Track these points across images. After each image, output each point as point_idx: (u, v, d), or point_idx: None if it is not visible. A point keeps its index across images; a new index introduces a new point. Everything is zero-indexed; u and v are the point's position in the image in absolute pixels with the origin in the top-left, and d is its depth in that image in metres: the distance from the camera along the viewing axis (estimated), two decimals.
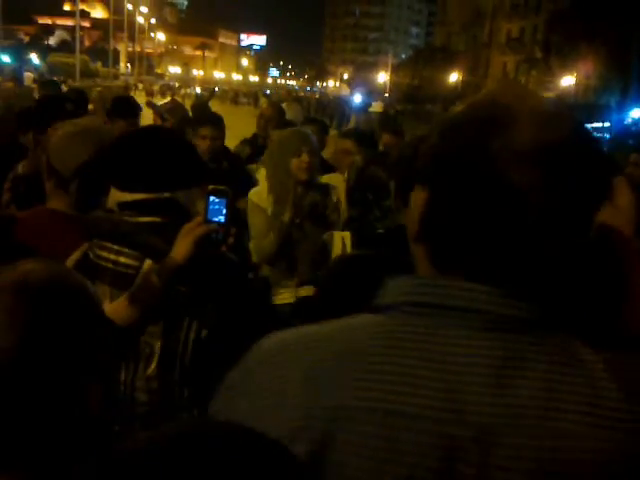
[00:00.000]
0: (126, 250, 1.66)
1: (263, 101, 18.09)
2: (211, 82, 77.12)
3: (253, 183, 3.42)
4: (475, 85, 55.81)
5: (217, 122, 3.86)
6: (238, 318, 1.71)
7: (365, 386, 0.70)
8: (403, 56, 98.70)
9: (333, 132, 8.29)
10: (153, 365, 1.65)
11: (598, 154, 0.73)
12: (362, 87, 68.17)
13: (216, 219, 1.60)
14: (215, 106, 15.17)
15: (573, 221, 0.70)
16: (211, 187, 1.61)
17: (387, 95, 65.29)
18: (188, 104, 13.70)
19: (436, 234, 0.73)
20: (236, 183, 2.47)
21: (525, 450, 0.67)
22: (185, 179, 1.70)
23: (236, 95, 50.91)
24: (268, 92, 52.39)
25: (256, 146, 4.91)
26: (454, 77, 60.00)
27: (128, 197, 1.66)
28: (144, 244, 1.65)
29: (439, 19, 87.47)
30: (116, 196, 1.69)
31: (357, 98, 37.45)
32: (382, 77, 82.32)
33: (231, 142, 5.91)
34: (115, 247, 1.67)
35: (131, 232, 1.66)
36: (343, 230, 2.68)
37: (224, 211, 1.60)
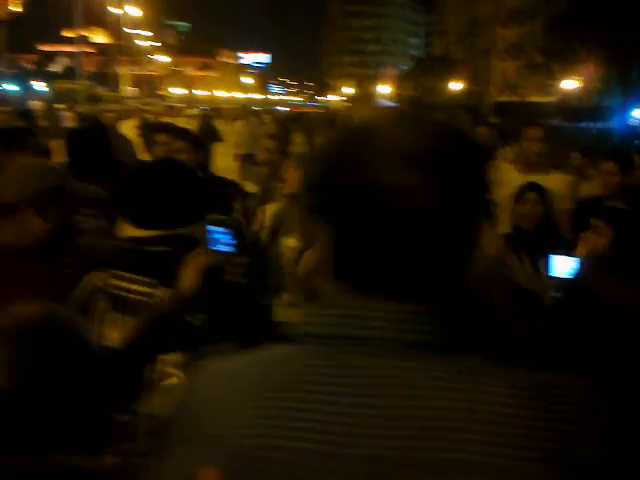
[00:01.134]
0: (140, 278, 1.67)
1: (266, 118, 18.13)
2: (214, 102, 77.59)
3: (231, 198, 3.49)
4: (478, 93, 55.86)
5: (171, 130, 4.08)
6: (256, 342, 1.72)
7: (264, 423, 0.69)
8: (404, 67, 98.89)
9: None
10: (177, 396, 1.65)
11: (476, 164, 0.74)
12: (366, 100, 68.20)
13: (218, 248, 1.60)
14: (219, 124, 15.25)
15: (461, 233, 0.71)
16: (210, 217, 1.63)
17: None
18: (192, 124, 13.81)
19: (353, 269, 0.72)
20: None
21: None
22: (198, 214, 1.71)
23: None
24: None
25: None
26: (456, 86, 60.06)
27: (143, 233, 1.67)
28: (158, 272, 1.66)
29: (437, 29, 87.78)
30: (129, 231, 1.69)
31: None
32: (384, 89, 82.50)
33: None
34: (128, 275, 1.67)
35: (144, 261, 1.66)
36: None
37: (226, 239, 1.60)
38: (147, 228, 1.68)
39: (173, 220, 1.68)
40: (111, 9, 55.43)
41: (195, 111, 19.28)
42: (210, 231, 1.60)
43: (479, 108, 28.63)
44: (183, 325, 1.60)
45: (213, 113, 20.78)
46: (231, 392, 0.74)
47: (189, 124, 14.05)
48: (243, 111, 16.41)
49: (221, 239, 1.60)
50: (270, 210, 3.33)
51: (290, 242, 3.07)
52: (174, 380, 1.65)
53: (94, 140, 3.03)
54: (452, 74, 61.00)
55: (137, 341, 1.54)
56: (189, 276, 1.57)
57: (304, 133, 14.11)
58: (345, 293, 0.72)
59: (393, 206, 0.68)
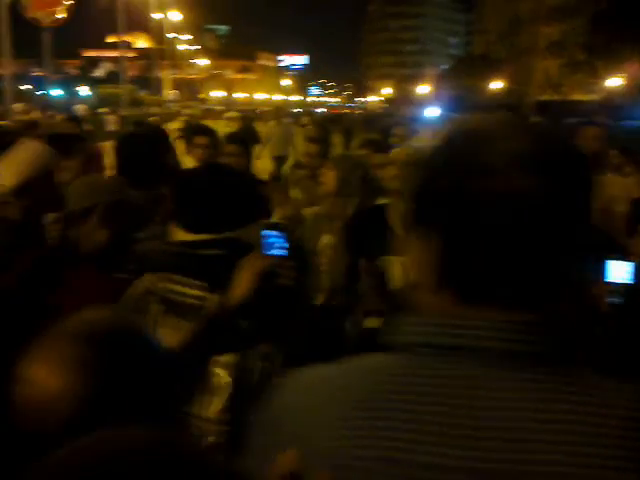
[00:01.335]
0: (192, 281, 1.70)
1: (305, 120, 18.19)
2: (253, 104, 78.19)
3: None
4: (519, 92, 55.16)
5: (209, 132, 4.13)
6: (305, 348, 1.73)
7: (374, 434, 0.66)
8: (443, 67, 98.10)
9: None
10: (226, 397, 1.68)
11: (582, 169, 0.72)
12: (405, 100, 67.92)
13: (272, 252, 1.63)
14: (259, 126, 15.38)
15: (576, 234, 0.69)
16: (265, 221, 1.66)
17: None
18: (232, 126, 13.94)
19: (462, 277, 0.70)
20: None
21: None
22: (247, 218, 1.75)
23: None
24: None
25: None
26: (497, 85, 59.40)
27: (193, 237, 1.71)
28: (210, 276, 1.69)
29: (477, 28, 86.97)
30: (179, 235, 1.74)
31: (433, 111, 26.43)
32: (423, 89, 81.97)
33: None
34: (181, 279, 1.70)
35: (197, 264, 1.70)
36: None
37: (280, 244, 1.63)
38: (198, 232, 1.71)
39: (223, 224, 1.71)
40: (153, 15, 56.27)
41: (234, 114, 19.52)
42: (265, 235, 1.63)
43: (520, 107, 28.25)
44: (237, 328, 1.62)
45: (253, 115, 20.93)
46: (320, 402, 0.72)
47: (229, 127, 14.19)
48: (276, 113, 16.42)
49: (275, 243, 1.62)
50: (310, 212, 3.37)
51: (326, 241, 3.09)
52: (224, 381, 1.68)
53: (151, 146, 3.10)
54: (493, 73, 60.35)
55: (193, 344, 1.58)
56: (244, 280, 1.60)
57: (343, 134, 14.15)
58: (449, 303, 0.70)
59: (511, 210, 0.66)
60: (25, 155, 2.28)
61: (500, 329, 0.67)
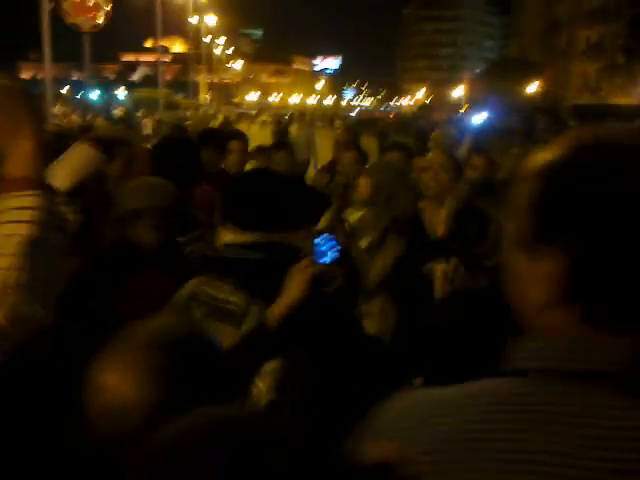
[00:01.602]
0: (233, 287, 1.71)
1: (338, 123, 18.15)
2: (288, 107, 78.35)
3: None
4: (556, 95, 54.41)
5: (242, 137, 4.22)
6: (343, 358, 1.73)
7: (494, 468, 0.62)
8: (478, 70, 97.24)
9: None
10: (266, 404, 1.68)
11: None
12: (441, 104, 67.48)
13: (324, 259, 1.64)
14: (292, 129, 15.43)
15: None
16: (316, 228, 1.68)
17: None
18: (267, 130, 14.02)
19: (591, 297, 0.64)
20: None
21: None
22: (296, 222, 1.76)
23: (311, 119, 51.30)
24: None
25: (334, 173, 5.09)
26: (532, 88, 58.67)
27: (240, 237, 1.72)
28: (252, 282, 1.69)
29: (513, 30, 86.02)
30: (226, 236, 1.76)
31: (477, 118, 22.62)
32: (457, 93, 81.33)
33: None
34: (223, 284, 1.71)
35: (239, 269, 1.70)
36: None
37: (332, 252, 1.64)
38: (246, 229, 1.72)
39: (271, 223, 1.72)
40: (190, 19, 56.84)
41: (268, 117, 19.76)
42: (317, 242, 1.63)
43: (557, 111, 27.85)
44: (283, 336, 1.62)
45: (285, 120, 21.02)
46: (420, 429, 0.68)
47: (263, 130, 14.25)
48: (300, 117, 16.37)
49: (326, 250, 1.62)
50: (349, 218, 3.40)
51: (363, 247, 3.12)
52: (264, 389, 1.69)
53: (187, 149, 3.17)
54: (529, 76, 59.61)
55: (240, 351, 1.57)
56: (296, 286, 1.60)
57: (377, 138, 14.09)
58: (571, 323, 0.65)
59: None
60: (78, 158, 2.36)
61: (627, 356, 0.62)
